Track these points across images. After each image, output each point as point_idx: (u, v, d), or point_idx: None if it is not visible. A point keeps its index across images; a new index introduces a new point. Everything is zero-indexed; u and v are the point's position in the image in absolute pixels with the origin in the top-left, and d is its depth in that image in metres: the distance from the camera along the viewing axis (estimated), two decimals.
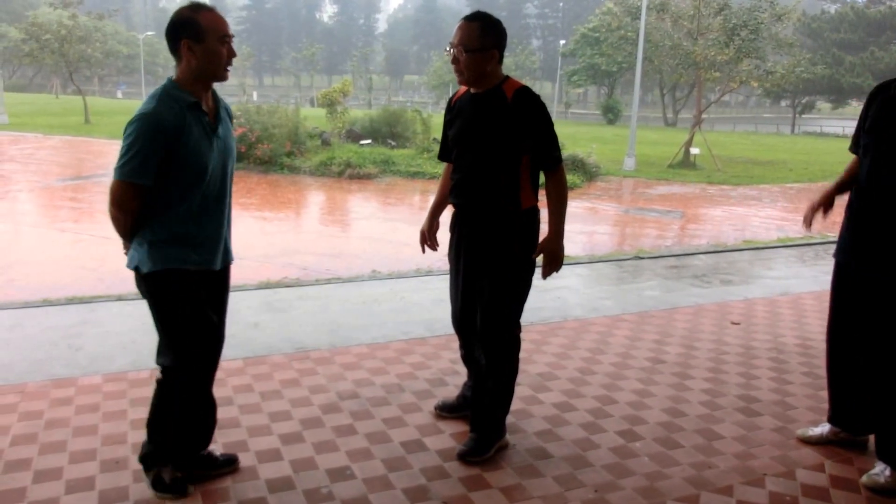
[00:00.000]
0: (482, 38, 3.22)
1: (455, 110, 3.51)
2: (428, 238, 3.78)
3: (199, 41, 2.71)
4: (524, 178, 3.33)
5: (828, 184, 3.77)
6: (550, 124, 3.28)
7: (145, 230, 2.82)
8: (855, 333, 3.50)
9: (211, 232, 2.95)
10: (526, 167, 3.31)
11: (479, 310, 3.46)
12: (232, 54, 2.82)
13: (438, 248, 3.82)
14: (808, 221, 3.76)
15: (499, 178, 3.31)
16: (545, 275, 3.41)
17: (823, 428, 3.76)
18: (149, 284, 2.86)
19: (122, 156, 2.67)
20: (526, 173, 3.32)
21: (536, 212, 3.41)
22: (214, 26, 2.73)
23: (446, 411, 3.90)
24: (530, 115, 3.24)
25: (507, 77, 3.35)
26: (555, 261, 3.37)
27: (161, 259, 2.82)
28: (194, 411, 3.10)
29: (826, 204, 3.73)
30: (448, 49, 3.31)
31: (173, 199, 2.80)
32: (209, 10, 2.75)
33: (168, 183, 2.76)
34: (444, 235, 3.71)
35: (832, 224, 12.07)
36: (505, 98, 3.26)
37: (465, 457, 3.45)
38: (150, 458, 3.07)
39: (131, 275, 2.93)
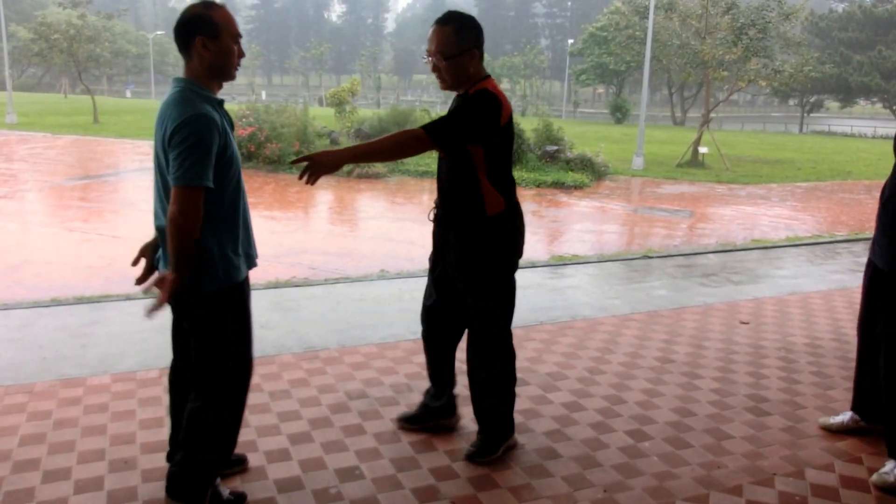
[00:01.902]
0: (460, 42, 3.11)
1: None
2: None
3: (214, 38, 2.66)
4: (484, 183, 3.18)
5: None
6: (469, 114, 3.08)
7: (197, 246, 2.64)
8: (878, 328, 3.55)
9: (250, 233, 2.92)
10: (482, 170, 3.16)
11: (468, 323, 3.42)
12: (241, 54, 2.78)
13: None
14: None
15: (459, 184, 3.20)
16: (301, 174, 2.87)
17: (844, 416, 3.83)
18: (211, 303, 2.74)
19: (185, 159, 2.52)
20: (483, 176, 3.17)
21: (506, 216, 3.25)
22: (228, 24, 2.69)
23: (408, 423, 3.74)
24: (465, 102, 3.11)
25: (487, 77, 3.22)
26: (315, 162, 2.87)
27: (224, 274, 2.73)
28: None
29: None
30: (426, 58, 3.21)
31: (224, 203, 2.71)
32: (221, 8, 2.70)
33: (219, 187, 2.67)
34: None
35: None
36: (467, 99, 3.16)
37: (473, 458, 3.43)
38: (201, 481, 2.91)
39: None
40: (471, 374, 3.48)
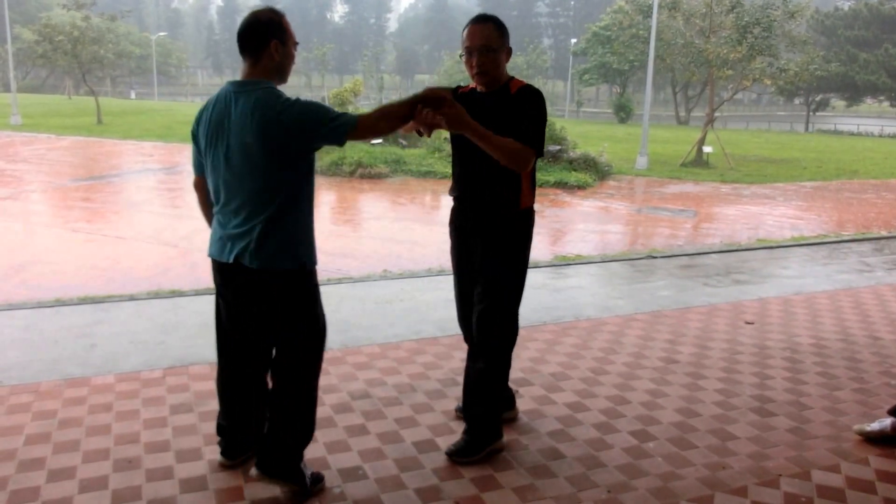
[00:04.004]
0: (501, 37, 3.27)
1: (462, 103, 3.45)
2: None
3: (284, 43, 2.88)
4: (524, 180, 3.32)
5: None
6: (541, 116, 3.24)
7: (298, 227, 2.90)
8: None
9: None
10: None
11: (475, 304, 3.43)
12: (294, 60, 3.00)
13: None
14: None
15: (501, 176, 3.28)
16: (436, 104, 2.94)
17: (884, 422, 3.75)
18: (310, 279, 2.98)
19: (319, 113, 2.77)
20: (526, 174, 3.31)
21: (532, 213, 3.41)
22: (291, 32, 2.93)
23: None
24: (527, 102, 3.24)
25: (512, 77, 3.37)
26: (453, 114, 2.96)
27: (314, 254, 2.98)
28: None
29: None
30: (465, 54, 3.28)
31: (313, 188, 2.95)
32: (285, 16, 2.94)
33: (312, 170, 2.94)
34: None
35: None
36: (509, 94, 3.28)
37: (453, 456, 3.42)
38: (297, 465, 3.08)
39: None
40: (470, 361, 3.49)
